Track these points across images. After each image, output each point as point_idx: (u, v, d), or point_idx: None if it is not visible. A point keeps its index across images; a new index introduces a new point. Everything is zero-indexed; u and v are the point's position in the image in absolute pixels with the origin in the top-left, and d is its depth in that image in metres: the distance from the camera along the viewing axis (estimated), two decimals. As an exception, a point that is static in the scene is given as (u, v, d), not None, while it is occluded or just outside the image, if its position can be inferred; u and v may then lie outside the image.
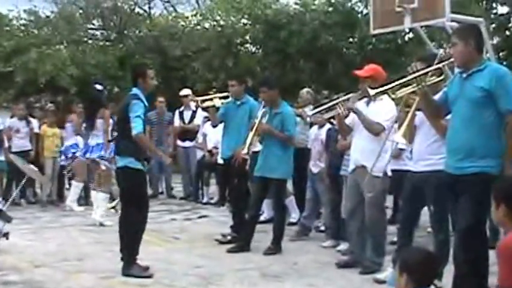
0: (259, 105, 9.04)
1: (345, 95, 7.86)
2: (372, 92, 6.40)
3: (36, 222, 11.47)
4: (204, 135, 13.56)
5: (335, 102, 7.84)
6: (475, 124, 5.52)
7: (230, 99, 9.67)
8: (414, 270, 4.26)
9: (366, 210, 7.48)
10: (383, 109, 7.32)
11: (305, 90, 11.24)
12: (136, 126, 7.45)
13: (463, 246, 5.52)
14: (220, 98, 9.74)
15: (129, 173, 7.60)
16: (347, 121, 7.75)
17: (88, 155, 11.93)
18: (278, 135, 8.76)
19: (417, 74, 5.95)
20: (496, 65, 6.01)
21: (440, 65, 6.12)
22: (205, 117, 13.40)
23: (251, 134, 8.81)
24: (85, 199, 13.24)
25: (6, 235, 8.63)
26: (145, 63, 16.99)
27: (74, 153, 12.57)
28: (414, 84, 5.94)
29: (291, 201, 10.56)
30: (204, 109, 10.75)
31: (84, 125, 12.01)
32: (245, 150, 8.83)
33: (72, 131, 13.00)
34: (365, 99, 7.49)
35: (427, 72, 6.02)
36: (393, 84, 6.20)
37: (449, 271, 5.83)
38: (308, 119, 9.29)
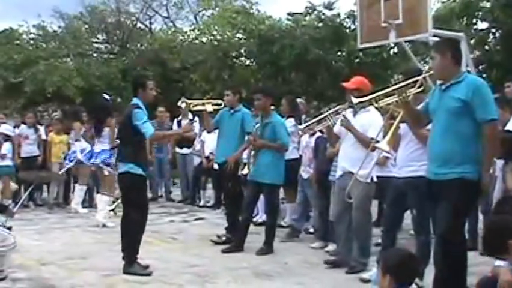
0: (252, 115, 9.08)
1: (333, 107, 7.88)
2: (355, 100, 6.45)
3: (43, 223, 11.45)
4: (202, 143, 13.54)
5: (324, 115, 7.91)
6: (453, 133, 5.51)
7: (225, 107, 9.65)
8: (395, 270, 4.26)
9: (353, 213, 7.45)
10: (372, 122, 7.26)
11: (298, 100, 11.20)
12: (147, 130, 7.48)
13: (442, 248, 5.51)
14: (213, 104, 9.72)
15: (130, 178, 7.58)
16: (334, 129, 7.76)
17: (92, 160, 11.96)
18: (272, 147, 8.79)
19: (398, 85, 5.97)
20: (473, 77, 5.98)
21: (419, 77, 6.14)
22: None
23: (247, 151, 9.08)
24: (88, 202, 13.23)
25: (9, 229, 8.65)
26: (145, 74, 16.97)
27: (75, 157, 12.54)
28: (397, 95, 5.96)
29: (292, 206, 10.49)
30: (198, 115, 10.74)
31: (93, 131, 12.02)
32: (245, 171, 9.04)
33: (74, 138, 12.96)
34: (351, 110, 7.49)
35: (408, 84, 6.04)
36: (376, 94, 6.23)
37: (430, 271, 5.83)
38: (300, 131, 9.30)
